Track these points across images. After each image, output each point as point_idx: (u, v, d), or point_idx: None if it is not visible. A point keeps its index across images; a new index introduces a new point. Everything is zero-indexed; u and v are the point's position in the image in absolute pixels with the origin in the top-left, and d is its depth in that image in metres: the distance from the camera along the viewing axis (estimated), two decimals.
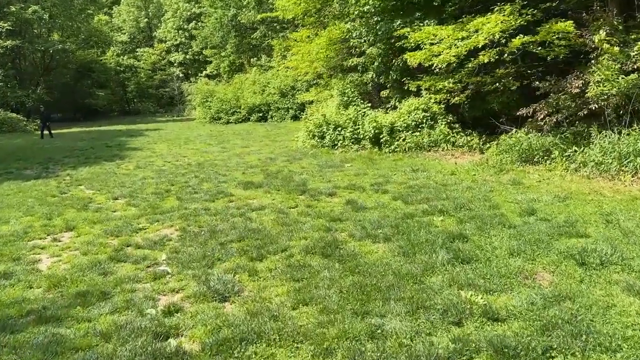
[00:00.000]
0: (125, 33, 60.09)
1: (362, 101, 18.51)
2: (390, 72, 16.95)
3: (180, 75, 57.09)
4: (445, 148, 13.55)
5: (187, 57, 55.76)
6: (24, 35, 43.38)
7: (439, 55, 11.94)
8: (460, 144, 13.45)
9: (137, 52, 58.61)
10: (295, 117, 30.12)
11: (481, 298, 4.92)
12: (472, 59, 12.17)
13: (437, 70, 12.94)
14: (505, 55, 11.80)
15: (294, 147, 18.11)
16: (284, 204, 9.31)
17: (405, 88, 15.62)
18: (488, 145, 12.84)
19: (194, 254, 6.64)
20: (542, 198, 8.47)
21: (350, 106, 18.02)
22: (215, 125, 32.02)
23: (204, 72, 49.96)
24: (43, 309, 5.24)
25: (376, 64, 17.60)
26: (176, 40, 55.79)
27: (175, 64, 57.23)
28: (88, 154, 19.81)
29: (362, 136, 15.39)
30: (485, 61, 11.74)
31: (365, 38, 17.41)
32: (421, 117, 14.22)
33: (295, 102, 30.30)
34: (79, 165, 16.51)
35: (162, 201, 10.23)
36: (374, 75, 17.84)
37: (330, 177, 11.64)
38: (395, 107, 16.57)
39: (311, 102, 26.07)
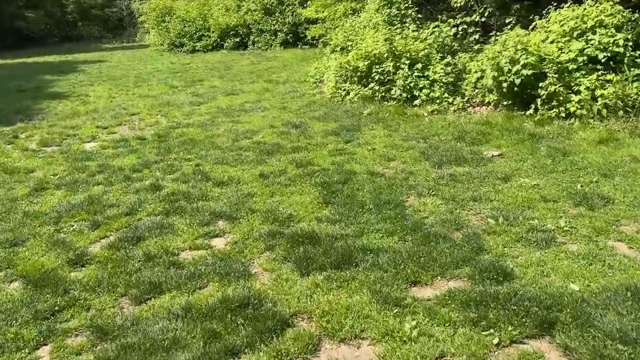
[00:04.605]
0: None
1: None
2: None
3: None
4: None
5: None
6: None
7: None
8: None
9: None
10: (287, 43, 22.24)
11: None
12: None
13: None
14: None
15: (317, 96, 10.84)
16: None
17: None
18: None
19: None
20: None
21: (400, 26, 10.81)
22: (177, 55, 23.70)
23: None
24: None
25: None
26: None
27: None
28: None
29: (467, 83, 8.11)
30: None
31: None
32: (620, 42, 6.94)
33: (286, 23, 22.27)
34: None
35: None
36: None
37: (508, 211, 4.55)
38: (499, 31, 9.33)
39: (315, 22, 18.41)
